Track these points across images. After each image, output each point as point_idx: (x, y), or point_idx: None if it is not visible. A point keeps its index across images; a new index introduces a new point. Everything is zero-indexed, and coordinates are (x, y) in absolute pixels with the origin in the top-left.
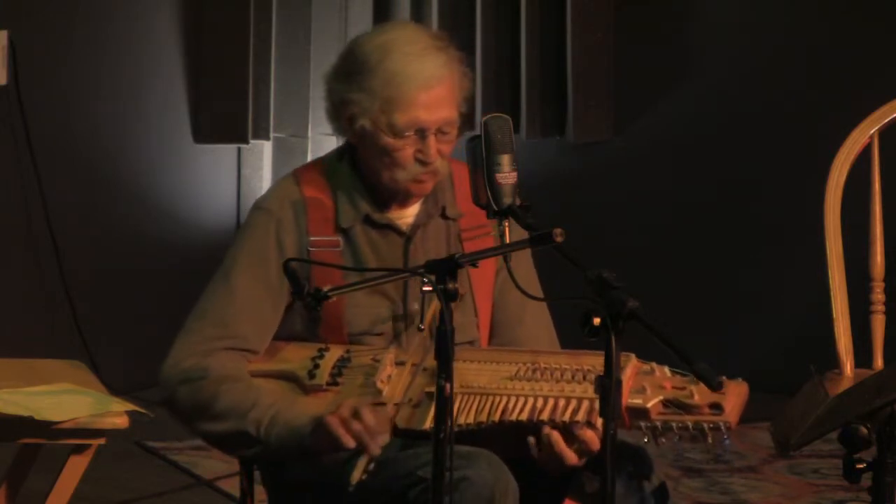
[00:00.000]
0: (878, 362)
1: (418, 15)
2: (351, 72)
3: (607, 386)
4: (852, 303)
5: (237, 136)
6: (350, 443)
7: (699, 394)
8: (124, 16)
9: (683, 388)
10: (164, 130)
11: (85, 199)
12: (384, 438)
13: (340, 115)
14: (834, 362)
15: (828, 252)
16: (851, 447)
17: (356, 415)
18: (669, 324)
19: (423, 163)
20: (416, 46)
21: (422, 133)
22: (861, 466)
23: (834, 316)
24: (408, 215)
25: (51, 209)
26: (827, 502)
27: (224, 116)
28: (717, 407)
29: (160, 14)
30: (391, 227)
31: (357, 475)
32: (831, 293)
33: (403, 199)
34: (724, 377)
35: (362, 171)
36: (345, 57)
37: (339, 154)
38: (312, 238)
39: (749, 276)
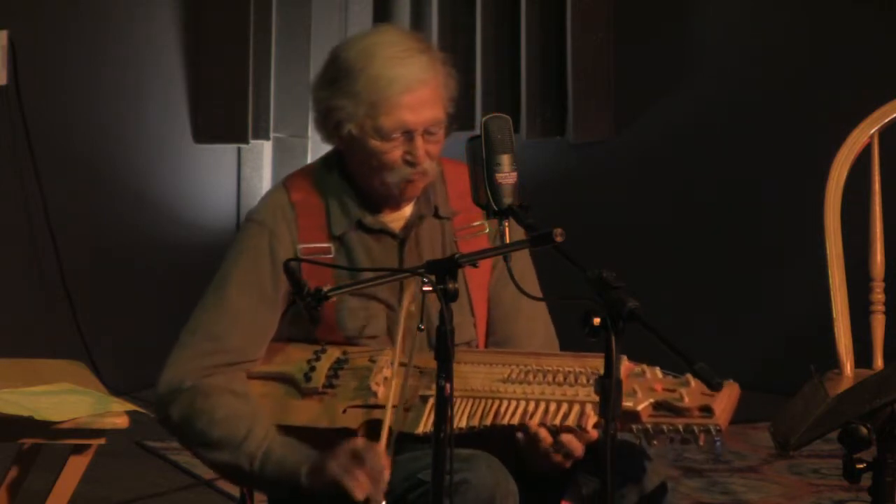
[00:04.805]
0: (878, 362)
1: (418, 15)
2: (335, 78)
3: (607, 386)
4: (852, 303)
5: (237, 136)
6: (360, 494)
7: (689, 396)
8: (124, 16)
9: (674, 391)
10: (164, 130)
11: (85, 199)
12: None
13: (327, 123)
14: (834, 362)
15: (828, 252)
16: (851, 447)
17: (357, 456)
18: (669, 324)
19: (411, 164)
20: (397, 49)
21: (409, 135)
22: (861, 466)
23: (834, 316)
24: (400, 217)
25: (51, 209)
26: (827, 502)
27: (224, 116)
28: (707, 410)
29: (160, 14)
30: (385, 231)
31: None
32: (831, 293)
33: (395, 203)
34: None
35: (352, 176)
36: (328, 64)
37: (326, 161)
38: (303, 246)
39: (749, 275)
